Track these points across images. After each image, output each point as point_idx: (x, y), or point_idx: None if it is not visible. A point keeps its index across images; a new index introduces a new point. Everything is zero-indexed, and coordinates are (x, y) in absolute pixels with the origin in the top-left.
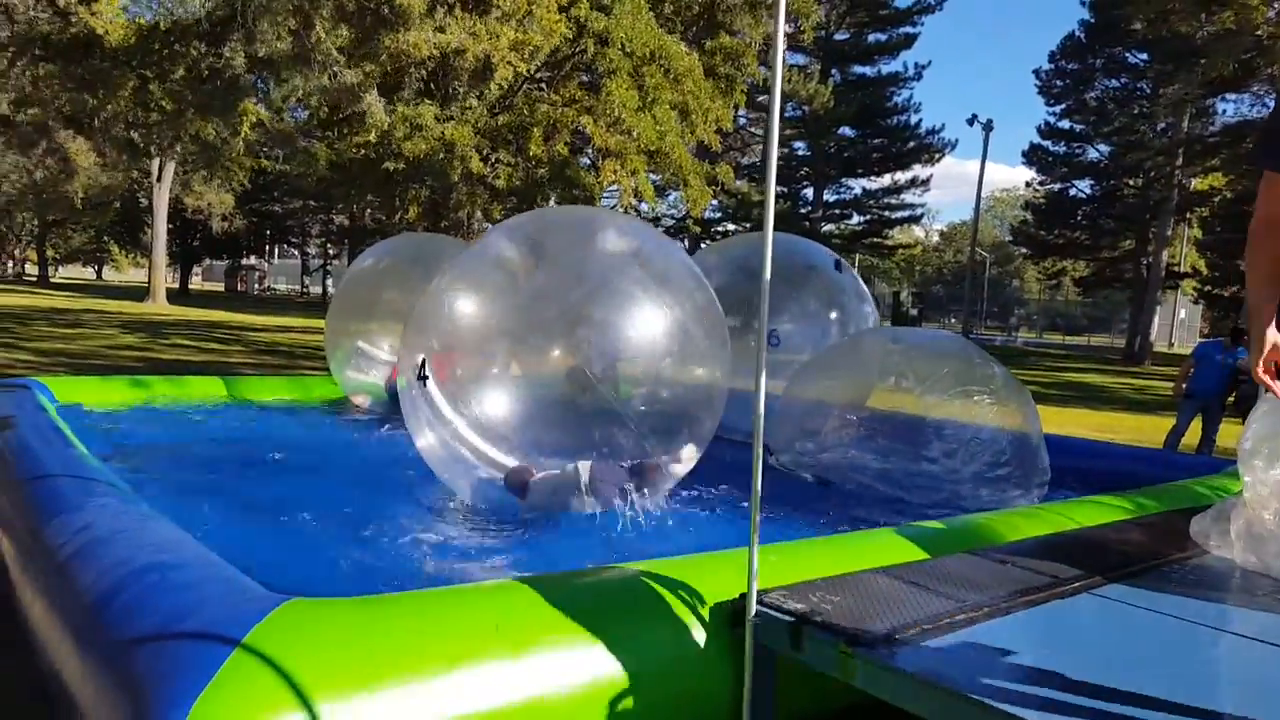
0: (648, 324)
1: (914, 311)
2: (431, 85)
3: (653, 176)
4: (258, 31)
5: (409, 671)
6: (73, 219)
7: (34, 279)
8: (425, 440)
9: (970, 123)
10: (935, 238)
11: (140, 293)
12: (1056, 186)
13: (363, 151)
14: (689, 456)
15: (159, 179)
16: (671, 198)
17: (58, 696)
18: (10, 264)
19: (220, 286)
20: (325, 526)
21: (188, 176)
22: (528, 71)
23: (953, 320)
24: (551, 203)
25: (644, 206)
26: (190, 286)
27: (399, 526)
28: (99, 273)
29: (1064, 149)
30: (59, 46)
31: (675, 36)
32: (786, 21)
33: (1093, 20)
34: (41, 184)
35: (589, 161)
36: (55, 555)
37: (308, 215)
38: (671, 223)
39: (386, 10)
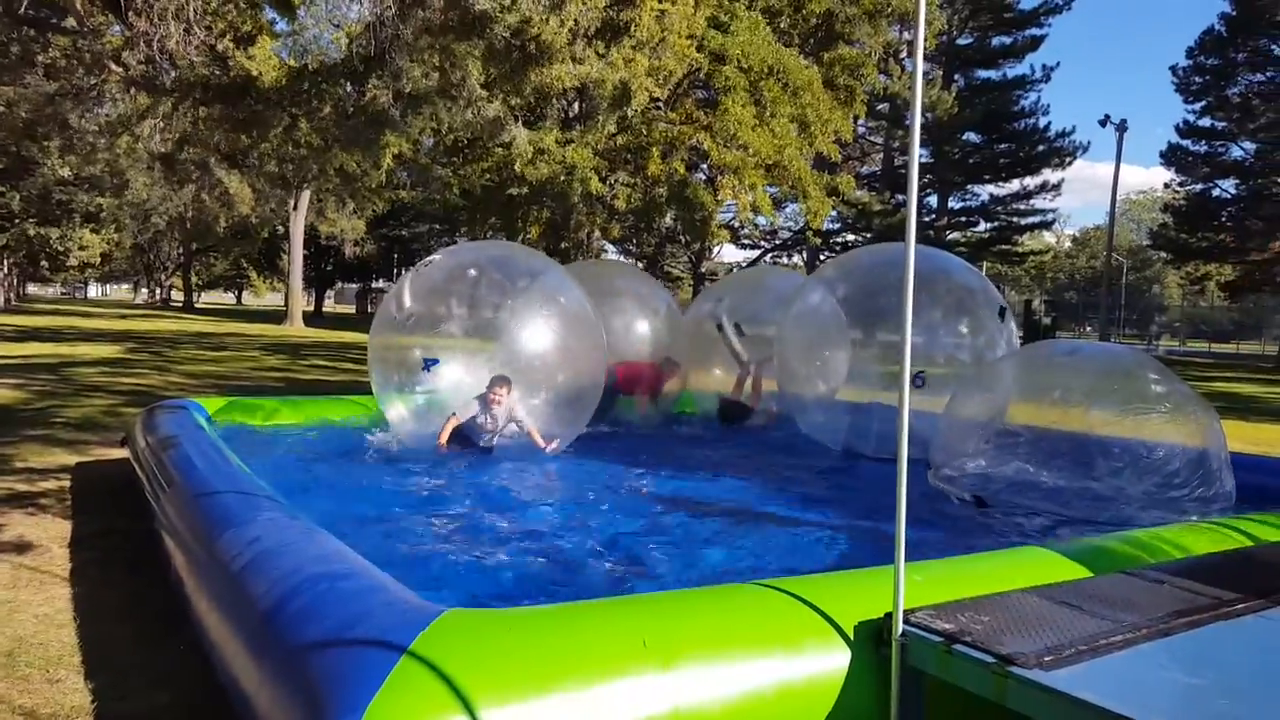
0: None
1: (1047, 320)
2: (568, 113)
3: (771, 189)
4: (403, 69)
5: (562, 682)
6: (216, 247)
7: (179, 304)
8: None
9: (1103, 124)
10: (1067, 244)
11: (278, 316)
12: (1198, 187)
13: (488, 177)
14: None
15: (295, 207)
16: (789, 209)
17: (234, 701)
18: (158, 290)
19: (352, 309)
20: (455, 536)
21: (322, 204)
22: (662, 96)
23: (1088, 329)
24: (667, 220)
25: (761, 219)
26: (324, 309)
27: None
28: (238, 297)
29: (1205, 148)
30: (219, 90)
31: (794, 49)
32: (906, 28)
33: (1234, 13)
34: (189, 216)
35: (705, 177)
36: (228, 567)
37: (433, 239)
38: (789, 234)
39: (533, 47)
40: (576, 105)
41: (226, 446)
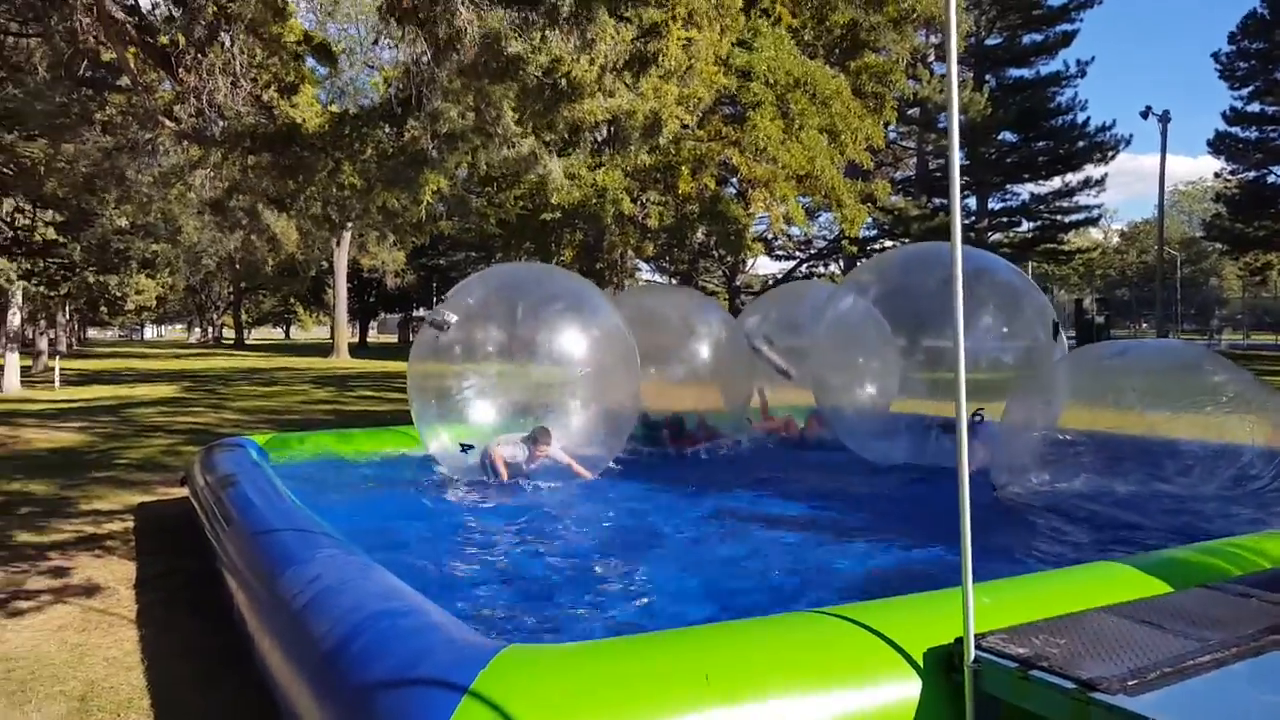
0: None
1: (1100, 319)
2: (598, 139)
3: (804, 199)
4: (440, 110)
5: (624, 718)
6: (265, 285)
7: (231, 342)
8: None
9: (1145, 115)
10: (1115, 239)
11: (324, 348)
12: (1251, 175)
13: (521, 204)
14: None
15: (338, 243)
16: (824, 219)
17: None
18: (210, 329)
19: (394, 338)
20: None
21: (363, 239)
22: (692, 122)
23: (1144, 326)
24: (699, 235)
25: (795, 230)
26: (368, 339)
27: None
28: (287, 332)
29: (1256, 134)
30: (265, 138)
31: (819, 60)
32: (933, 33)
33: None
34: (238, 258)
35: (736, 190)
36: (289, 606)
37: (470, 266)
38: (824, 244)
39: (564, 84)
40: (607, 130)
41: (282, 483)
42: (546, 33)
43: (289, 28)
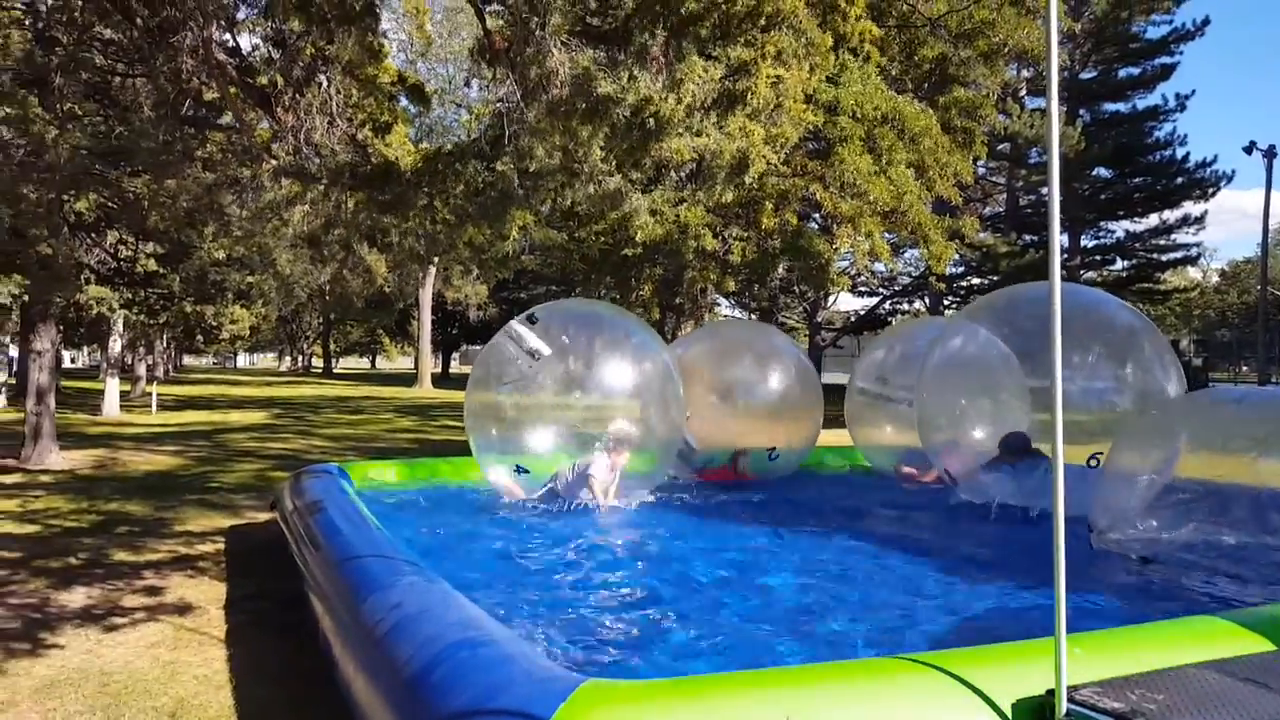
0: None
1: (1197, 361)
2: (681, 176)
3: (889, 235)
4: (527, 148)
5: None
6: (355, 316)
7: (320, 370)
8: None
9: (1249, 151)
10: (1215, 278)
11: (408, 378)
12: None
13: (603, 240)
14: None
15: (424, 277)
16: (909, 255)
17: None
18: (300, 358)
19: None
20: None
21: (448, 273)
22: (778, 161)
23: (1244, 369)
24: (780, 270)
25: (879, 266)
26: (450, 370)
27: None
28: (373, 362)
29: None
30: (364, 176)
31: (908, 96)
32: (1025, 66)
33: None
34: (329, 289)
35: (819, 225)
36: (372, 632)
37: (551, 300)
38: (909, 280)
39: (652, 123)
40: (694, 166)
41: (367, 509)
42: (635, 72)
43: (384, 69)
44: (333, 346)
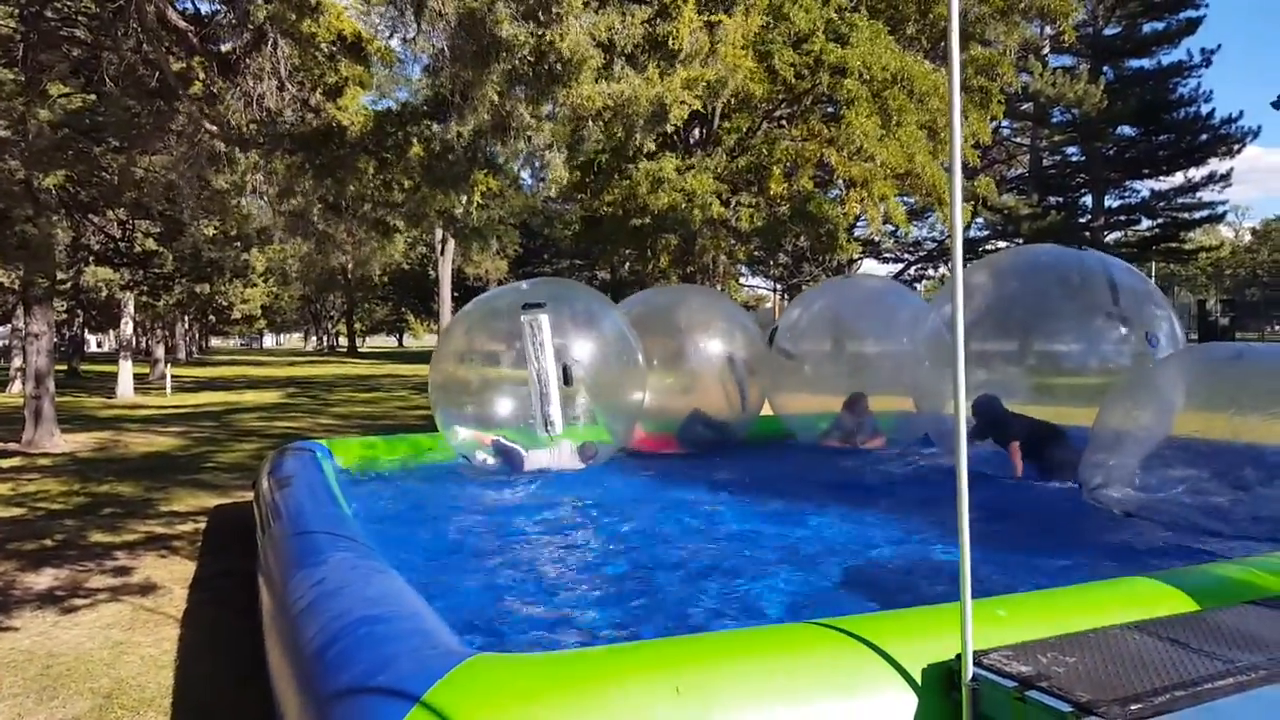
0: None
1: (1224, 320)
2: (675, 138)
3: (906, 200)
4: (464, 107)
5: None
6: (375, 295)
7: (344, 350)
8: None
9: (1277, 105)
10: (1248, 237)
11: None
12: None
13: (611, 209)
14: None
15: (442, 253)
16: (932, 219)
17: None
18: (325, 338)
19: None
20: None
21: (464, 248)
22: (710, 107)
23: (1276, 328)
24: (791, 237)
25: (900, 232)
26: None
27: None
28: (400, 340)
29: None
30: (300, 139)
31: (920, 55)
32: (1045, 23)
33: None
34: (341, 268)
35: (837, 193)
36: (290, 609)
37: (573, 273)
38: (933, 245)
39: (559, 66)
40: (698, 132)
41: (337, 486)
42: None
43: (322, 25)
44: (358, 325)
